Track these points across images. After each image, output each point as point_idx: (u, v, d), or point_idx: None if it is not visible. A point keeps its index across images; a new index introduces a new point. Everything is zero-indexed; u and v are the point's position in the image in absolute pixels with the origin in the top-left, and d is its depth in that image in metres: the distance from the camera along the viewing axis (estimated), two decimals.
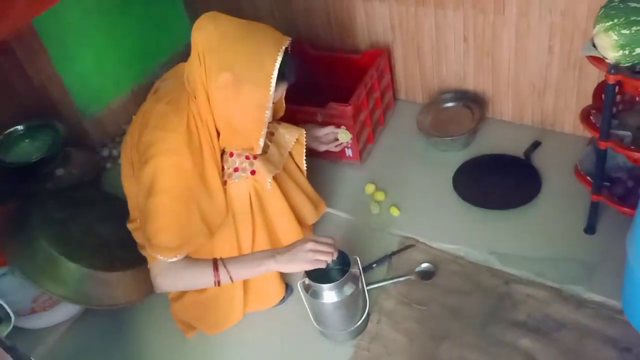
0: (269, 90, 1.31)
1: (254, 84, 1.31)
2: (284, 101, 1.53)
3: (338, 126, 1.77)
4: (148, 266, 1.41)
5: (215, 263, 1.40)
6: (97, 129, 2.33)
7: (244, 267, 1.42)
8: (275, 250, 1.43)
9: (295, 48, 1.40)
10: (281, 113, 1.58)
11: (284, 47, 1.32)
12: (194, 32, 1.33)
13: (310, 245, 1.39)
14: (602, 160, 1.50)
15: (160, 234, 1.32)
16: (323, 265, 1.40)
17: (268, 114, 1.35)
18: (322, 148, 1.78)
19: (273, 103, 1.39)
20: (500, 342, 1.47)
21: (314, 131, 1.74)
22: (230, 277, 1.40)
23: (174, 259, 1.35)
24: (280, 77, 1.32)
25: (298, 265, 1.40)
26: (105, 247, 1.65)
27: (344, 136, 1.75)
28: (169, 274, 1.37)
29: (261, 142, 1.40)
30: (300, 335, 1.60)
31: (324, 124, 1.87)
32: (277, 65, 1.30)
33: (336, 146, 1.78)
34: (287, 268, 1.41)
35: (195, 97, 1.36)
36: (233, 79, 1.29)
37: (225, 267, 1.39)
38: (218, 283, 1.39)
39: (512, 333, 1.48)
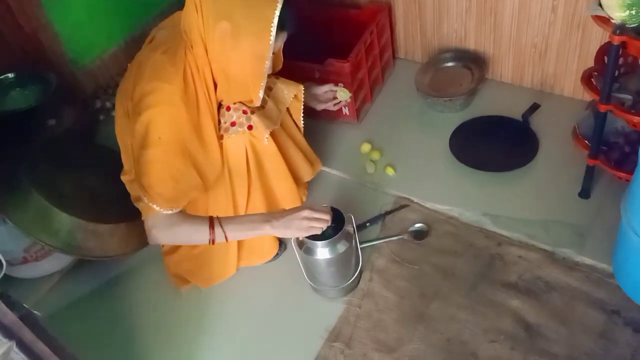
0: (269, 40, 1.27)
1: (253, 33, 1.26)
2: (282, 54, 1.50)
3: (336, 84, 1.74)
4: (142, 218, 1.40)
5: (212, 221, 1.39)
6: (89, 80, 2.28)
7: (240, 229, 1.41)
8: (272, 215, 1.42)
9: (291, 1, 1.36)
10: (279, 66, 1.54)
11: None
12: None
13: (305, 213, 1.39)
14: (601, 124, 1.48)
15: (157, 186, 1.31)
16: (318, 232, 1.41)
17: (268, 64, 1.31)
18: (321, 107, 1.75)
19: (272, 54, 1.35)
20: (491, 302, 1.48)
21: (312, 89, 1.71)
22: (226, 237, 1.39)
23: (170, 211, 1.34)
24: (280, 26, 1.28)
25: (292, 232, 1.40)
26: (97, 199, 1.64)
27: (342, 94, 1.72)
28: (165, 227, 1.37)
29: (260, 94, 1.37)
30: (292, 291, 1.61)
31: (322, 80, 1.84)
32: (277, 13, 1.25)
33: (334, 105, 1.75)
34: (282, 233, 1.41)
35: (192, 47, 1.32)
36: (231, 29, 1.25)
37: (221, 226, 1.38)
38: (213, 241, 1.39)
39: (502, 294, 1.50)
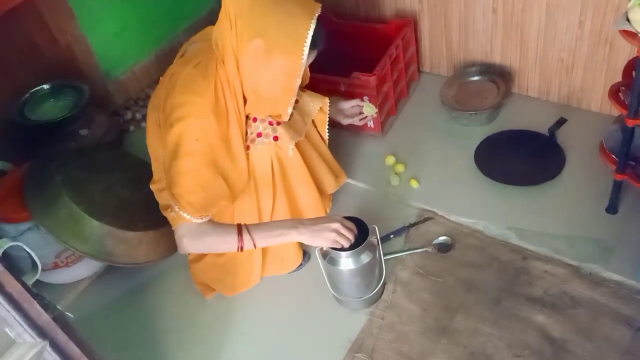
0: (301, 58, 1.30)
1: (286, 51, 1.29)
2: (308, 69, 1.52)
3: (362, 98, 1.75)
4: (173, 228, 1.43)
5: (240, 229, 1.41)
6: (120, 92, 2.34)
7: (268, 235, 1.43)
8: (300, 222, 1.44)
9: (318, 17, 1.39)
10: (306, 82, 1.57)
11: (316, 15, 1.30)
12: None
13: (335, 226, 1.41)
14: (629, 139, 1.47)
15: (188, 195, 1.34)
16: (339, 247, 1.42)
17: (298, 81, 1.34)
18: (347, 121, 1.77)
19: None
20: (515, 317, 1.47)
21: (339, 104, 1.73)
22: (254, 244, 1.41)
23: (201, 220, 1.37)
24: (312, 45, 1.31)
25: (319, 241, 1.42)
26: (126, 207, 1.68)
27: (369, 110, 1.73)
28: (195, 236, 1.39)
29: (289, 110, 1.40)
30: (316, 301, 1.62)
31: (347, 94, 1.86)
32: (311, 33, 1.28)
33: (360, 120, 1.77)
34: (308, 241, 1.43)
35: (223, 62, 1.36)
36: (265, 46, 1.28)
37: (249, 233, 1.40)
38: (241, 248, 1.41)
39: (527, 308, 1.48)
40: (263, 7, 1.29)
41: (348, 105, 1.74)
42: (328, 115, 1.65)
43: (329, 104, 1.63)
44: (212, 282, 1.65)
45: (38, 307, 0.84)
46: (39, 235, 1.58)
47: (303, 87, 1.61)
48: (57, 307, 0.89)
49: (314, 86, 1.67)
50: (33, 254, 1.17)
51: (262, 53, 1.29)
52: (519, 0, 1.83)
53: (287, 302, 1.64)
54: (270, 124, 1.45)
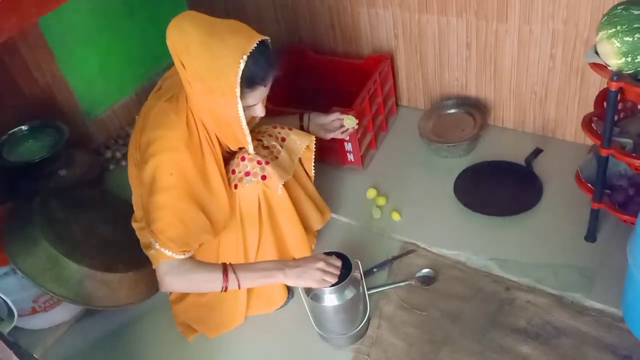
0: (235, 98, 1.28)
1: (222, 93, 1.28)
2: (263, 104, 1.44)
3: (343, 113, 1.76)
4: (154, 266, 1.40)
5: (225, 268, 1.40)
6: (100, 131, 2.34)
7: (253, 276, 1.42)
8: (285, 263, 1.44)
9: (297, 53, 1.38)
10: (262, 115, 1.47)
11: (245, 57, 1.25)
12: (167, 38, 1.31)
13: (320, 265, 1.41)
14: (604, 168, 1.50)
15: (167, 230, 1.32)
16: (327, 285, 1.42)
17: (242, 118, 1.32)
18: (329, 136, 1.76)
19: (251, 106, 1.37)
20: (500, 348, 1.47)
21: (319, 119, 1.74)
22: (239, 284, 1.40)
23: (183, 256, 1.35)
24: (250, 83, 1.30)
25: (305, 282, 1.41)
26: (106, 248, 1.65)
27: (349, 122, 1.73)
28: (178, 274, 1.37)
29: (249, 140, 1.38)
30: (300, 339, 1.60)
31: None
32: (239, 74, 1.25)
33: (342, 132, 1.77)
34: (294, 282, 1.42)
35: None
36: (205, 87, 1.29)
37: (235, 273, 1.39)
38: (226, 288, 1.39)
39: (511, 339, 1.48)
40: (197, 49, 1.27)
41: (328, 119, 1.74)
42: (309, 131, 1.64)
43: (314, 141, 1.63)
44: (194, 322, 1.63)
45: (15, 357, 0.82)
46: (16, 280, 1.54)
47: (289, 126, 1.62)
48: (34, 355, 0.87)
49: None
50: (9, 302, 1.14)
51: (206, 93, 1.30)
52: (492, 34, 1.88)
53: (271, 342, 1.61)
54: (259, 163, 1.45)
